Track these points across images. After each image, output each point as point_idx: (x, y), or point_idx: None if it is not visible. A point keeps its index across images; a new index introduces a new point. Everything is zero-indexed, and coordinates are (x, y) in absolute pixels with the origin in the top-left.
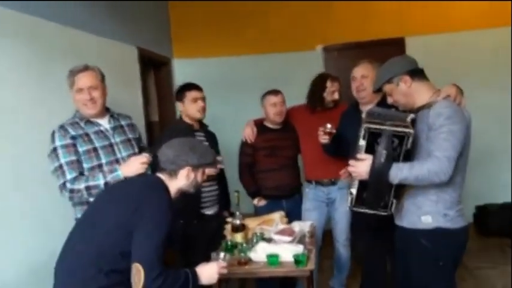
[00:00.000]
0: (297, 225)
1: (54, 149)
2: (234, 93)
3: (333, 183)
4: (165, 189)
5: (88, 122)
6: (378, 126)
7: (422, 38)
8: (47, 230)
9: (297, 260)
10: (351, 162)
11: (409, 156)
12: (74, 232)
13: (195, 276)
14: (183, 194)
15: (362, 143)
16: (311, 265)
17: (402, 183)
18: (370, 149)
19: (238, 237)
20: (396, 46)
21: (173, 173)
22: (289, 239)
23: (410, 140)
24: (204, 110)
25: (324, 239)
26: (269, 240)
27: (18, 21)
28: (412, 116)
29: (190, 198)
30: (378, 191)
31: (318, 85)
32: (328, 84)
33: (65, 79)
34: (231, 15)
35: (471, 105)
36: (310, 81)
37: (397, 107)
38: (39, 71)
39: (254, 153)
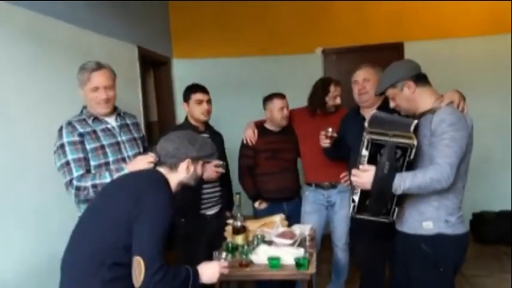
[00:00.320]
0: (297, 228)
1: (62, 146)
2: (233, 95)
3: (333, 186)
4: (166, 182)
5: (96, 119)
6: (381, 138)
7: (421, 43)
8: (48, 229)
9: (298, 263)
10: (354, 171)
11: (411, 165)
12: (78, 227)
13: (196, 274)
14: (183, 187)
15: (365, 153)
16: (312, 268)
17: (405, 193)
18: (372, 159)
19: (239, 239)
20: (395, 51)
21: (173, 166)
22: (290, 241)
23: (414, 151)
24: (208, 112)
25: (322, 243)
26: (270, 243)
27: (23, 17)
28: (415, 123)
29: (190, 198)
30: (380, 200)
31: (320, 89)
32: (332, 88)
33: (67, 75)
34: (230, 16)
35: (469, 112)
36: (310, 84)
37: (399, 111)
38: (43, 67)
39: (255, 155)
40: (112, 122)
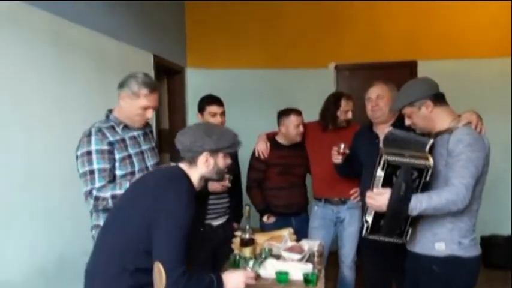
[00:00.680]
0: (305, 244)
1: (89, 153)
2: (244, 106)
3: (343, 202)
4: (186, 179)
5: (125, 127)
6: (397, 159)
7: (435, 62)
8: (56, 231)
9: (307, 279)
10: (369, 193)
11: (427, 186)
12: (101, 232)
13: (220, 282)
14: (207, 181)
15: (380, 173)
16: (321, 285)
17: (421, 214)
18: (387, 179)
19: (247, 252)
20: (408, 69)
21: (192, 161)
22: (298, 256)
23: (430, 172)
24: (222, 124)
25: (328, 260)
26: (278, 257)
27: (44, 20)
28: (431, 142)
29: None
30: (395, 221)
31: (332, 103)
32: (343, 103)
33: (84, 78)
34: (245, 29)
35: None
36: (322, 98)
37: (415, 129)
38: (60, 70)
39: (265, 169)
40: (137, 130)
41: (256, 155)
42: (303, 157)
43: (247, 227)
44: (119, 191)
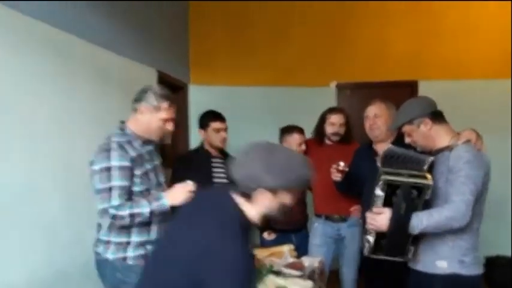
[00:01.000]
0: (306, 260)
1: (108, 169)
2: (245, 123)
3: (343, 219)
4: (241, 219)
5: (144, 142)
6: (396, 179)
7: (436, 82)
8: (55, 244)
9: None
10: (369, 215)
11: (427, 205)
12: (147, 267)
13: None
14: (268, 219)
15: (379, 193)
16: None
17: (422, 232)
18: (387, 199)
19: None
20: (409, 88)
21: (249, 195)
22: (299, 273)
23: (430, 191)
24: (225, 140)
25: (329, 278)
26: (278, 273)
27: (46, 33)
28: (430, 160)
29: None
30: (396, 241)
31: (320, 117)
32: (329, 116)
33: (85, 93)
34: (248, 47)
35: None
36: None
37: (415, 147)
38: (63, 84)
39: None
40: (150, 145)
41: None
42: None
43: None
44: (137, 210)
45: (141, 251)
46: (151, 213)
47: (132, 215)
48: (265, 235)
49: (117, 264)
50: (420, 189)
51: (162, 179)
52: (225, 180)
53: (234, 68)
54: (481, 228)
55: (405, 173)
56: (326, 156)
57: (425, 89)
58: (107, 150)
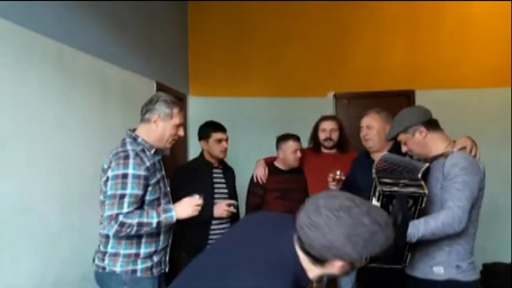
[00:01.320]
0: None
1: (125, 176)
2: (245, 134)
3: None
4: (300, 277)
5: (156, 151)
6: (392, 189)
7: (432, 92)
8: (54, 255)
9: None
10: None
11: (423, 212)
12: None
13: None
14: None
15: (375, 203)
16: None
17: (419, 240)
18: (383, 208)
19: None
20: (406, 98)
21: (317, 259)
22: None
23: (425, 199)
24: (226, 150)
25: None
26: None
27: (47, 45)
28: (425, 167)
29: (197, 233)
30: (394, 249)
31: (314, 126)
32: (321, 122)
33: (85, 105)
34: (248, 58)
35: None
36: None
37: (411, 155)
38: (62, 96)
39: (264, 194)
40: (159, 154)
41: (255, 180)
42: (301, 182)
43: None
44: (145, 219)
45: (148, 263)
46: (159, 224)
47: (140, 224)
48: None
49: (123, 277)
50: (416, 198)
51: (168, 188)
52: (225, 191)
53: (233, 79)
54: (481, 236)
55: (400, 182)
56: (323, 166)
57: (422, 98)
58: (124, 158)
